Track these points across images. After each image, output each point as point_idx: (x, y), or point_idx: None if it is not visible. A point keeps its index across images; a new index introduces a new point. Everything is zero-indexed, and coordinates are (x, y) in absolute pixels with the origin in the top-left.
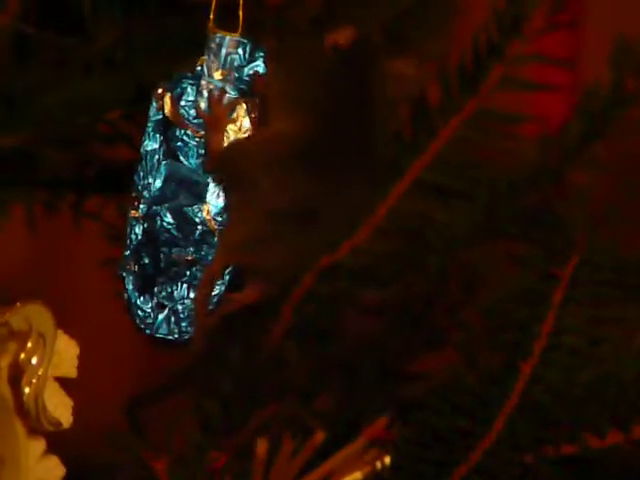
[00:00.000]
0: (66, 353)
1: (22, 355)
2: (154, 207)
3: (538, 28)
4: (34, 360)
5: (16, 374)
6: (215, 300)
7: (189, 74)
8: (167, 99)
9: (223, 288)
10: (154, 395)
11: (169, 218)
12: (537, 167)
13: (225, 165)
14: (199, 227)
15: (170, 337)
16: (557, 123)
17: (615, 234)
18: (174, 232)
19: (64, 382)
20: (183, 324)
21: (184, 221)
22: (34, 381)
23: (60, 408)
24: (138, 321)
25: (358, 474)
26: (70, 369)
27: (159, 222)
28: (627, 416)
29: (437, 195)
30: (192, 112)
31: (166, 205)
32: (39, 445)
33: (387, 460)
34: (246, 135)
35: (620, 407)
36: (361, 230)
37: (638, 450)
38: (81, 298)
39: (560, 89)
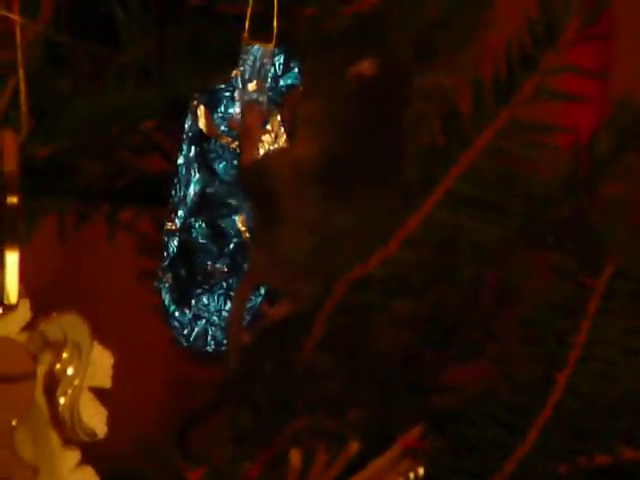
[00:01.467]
0: (101, 364)
1: (57, 365)
2: (189, 219)
3: (571, 39)
4: (70, 370)
5: (51, 384)
6: (251, 313)
7: (224, 85)
8: (201, 110)
9: (259, 301)
10: (203, 415)
11: (204, 230)
12: (569, 178)
13: (251, 179)
14: (234, 239)
15: (207, 349)
16: (589, 134)
17: None
18: (209, 244)
19: (98, 393)
20: (219, 336)
21: (219, 233)
22: (69, 391)
23: (95, 418)
24: (175, 333)
25: None
26: (105, 380)
27: (194, 234)
28: None
29: (470, 205)
30: (226, 123)
31: (201, 217)
32: (74, 455)
33: (421, 471)
34: (280, 146)
35: None
36: (393, 241)
37: None
38: (114, 309)
39: (592, 100)
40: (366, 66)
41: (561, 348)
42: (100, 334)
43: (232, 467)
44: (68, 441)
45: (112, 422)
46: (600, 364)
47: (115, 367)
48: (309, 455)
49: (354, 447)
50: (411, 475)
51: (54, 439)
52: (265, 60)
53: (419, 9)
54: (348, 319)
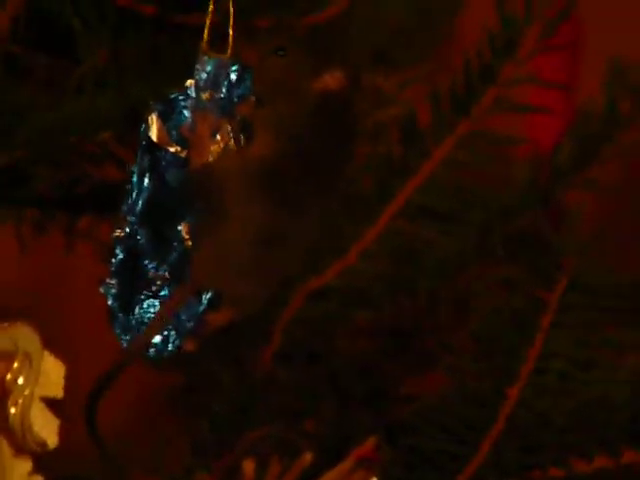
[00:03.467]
0: (53, 373)
1: (8, 375)
2: (136, 226)
3: (531, 50)
4: (20, 380)
5: (2, 394)
6: (194, 320)
7: (178, 94)
8: (153, 119)
9: (202, 308)
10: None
11: (149, 237)
12: (527, 189)
13: (199, 179)
14: (177, 246)
15: (148, 354)
16: (552, 146)
17: (606, 257)
18: (153, 251)
19: (51, 403)
20: (160, 343)
21: (163, 240)
22: (20, 401)
23: (46, 429)
24: (120, 338)
25: None
26: (57, 389)
27: (140, 241)
28: (616, 440)
29: (428, 217)
30: (179, 132)
31: (147, 224)
32: (25, 465)
33: None
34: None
35: (609, 431)
36: (351, 252)
37: (627, 474)
38: (73, 317)
39: (555, 111)
40: (330, 81)
41: (514, 361)
42: (59, 343)
43: (186, 477)
44: (19, 450)
45: (65, 432)
46: (554, 377)
47: (72, 375)
48: (263, 465)
49: (308, 457)
50: None
51: (5, 449)
52: (220, 70)
53: (378, 22)
54: (306, 330)
